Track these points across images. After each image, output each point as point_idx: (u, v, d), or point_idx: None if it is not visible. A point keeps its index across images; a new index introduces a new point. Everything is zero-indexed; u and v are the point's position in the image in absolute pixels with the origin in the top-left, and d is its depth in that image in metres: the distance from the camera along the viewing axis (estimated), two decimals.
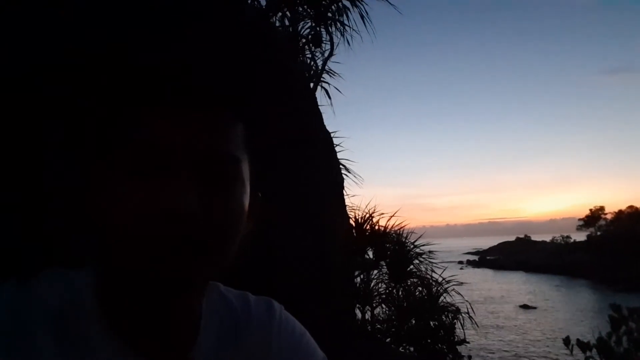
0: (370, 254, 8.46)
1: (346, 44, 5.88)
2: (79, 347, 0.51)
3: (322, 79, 6.00)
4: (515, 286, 36.09)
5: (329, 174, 1.97)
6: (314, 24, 5.86)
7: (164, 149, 0.49)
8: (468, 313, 8.80)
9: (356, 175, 7.06)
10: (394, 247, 8.55)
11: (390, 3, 5.71)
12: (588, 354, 5.98)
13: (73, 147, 0.54)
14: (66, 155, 0.55)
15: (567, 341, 6.41)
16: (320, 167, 1.90)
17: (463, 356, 8.32)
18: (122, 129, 0.49)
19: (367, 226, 8.41)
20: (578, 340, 6.32)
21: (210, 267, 0.52)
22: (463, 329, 8.54)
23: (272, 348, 0.67)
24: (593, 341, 6.22)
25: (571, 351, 6.21)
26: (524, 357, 14.15)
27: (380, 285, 8.68)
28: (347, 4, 5.53)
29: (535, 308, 24.83)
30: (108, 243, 0.49)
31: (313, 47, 5.91)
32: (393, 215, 8.69)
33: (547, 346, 15.17)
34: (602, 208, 56.34)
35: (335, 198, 1.98)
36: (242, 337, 0.65)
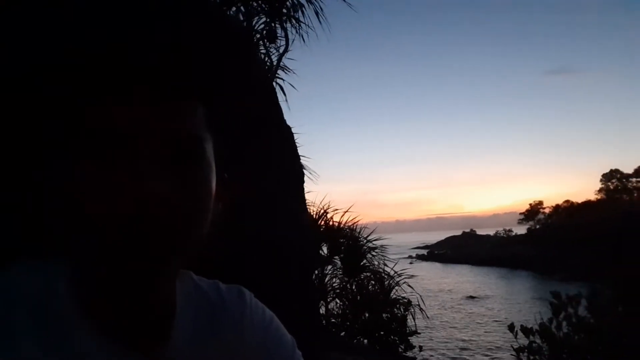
0: (325, 249, 8.55)
1: (301, 40, 5.91)
2: (57, 333, 0.51)
3: (276, 75, 5.98)
4: (462, 278, 37.45)
5: (293, 166, 1.98)
6: (268, 20, 5.81)
7: (128, 134, 0.48)
8: (419, 305, 9.08)
9: (311, 172, 7.09)
10: (348, 242, 8.68)
11: (344, 1, 5.78)
12: (531, 338, 6.34)
13: (39, 139, 0.52)
14: (31, 147, 0.54)
15: (511, 327, 6.74)
16: (285, 159, 1.91)
17: (414, 346, 8.57)
18: (86, 117, 0.49)
19: (321, 222, 8.48)
20: (522, 326, 6.68)
21: (182, 249, 0.53)
22: (414, 320, 8.81)
23: (245, 332, 0.68)
24: (535, 327, 6.59)
25: (515, 336, 6.55)
26: (473, 344, 14.72)
27: (334, 280, 8.81)
28: (303, 0, 5.55)
29: (481, 298, 25.90)
30: (79, 231, 0.49)
31: (267, 43, 5.88)
32: (347, 211, 8.81)
33: (494, 333, 15.86)
34: (540, 203, 59.53)
35: (299, 191, 2.00)
36: (216, 323, 0.66)
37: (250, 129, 1.60)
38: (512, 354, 6.63)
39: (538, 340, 6.28)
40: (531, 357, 6.22)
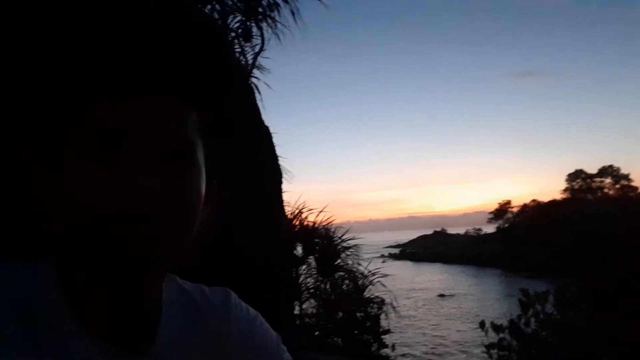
0: (299, 249, 8.54)
1: (277, 40, 5.88)
2: (45, 334, 0.51)
3: (252, 74, 5.94)
4: (433, 277, 38.01)
5: (272, 167, 1.98)
6: (244, 18, 5.78)
7: (124, 133, 0.49)
8: (392, 304, 9.16)
9: (287, 172, 7.07)
10: (322, 242, 8.69)
11: (320, 1, 5.78)
12: (501, 335, 6.51)
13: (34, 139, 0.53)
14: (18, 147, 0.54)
15: (482, 324, 6.90)
16: (264, 160, 1.91)
17: (387, 345, 8.65)
18: (84, 116, 0.49)
19: (296, 222, 8.47)
20: (492, 323, 6.84)
21: (171, 250, 0.53)
22: (387, 319, 8.88)
23: (231, 330, 0.70)
24: (505, 324, 6.76)
25: (486, 333, 6.71)
26: (445, 341, 14.97)
27: (308, 280, 8.80)
28: (279, 0, 5.53)
29: (452, 296, 26.35)
30: (69, 229, 0.50)
31: (243, 42, 5.84)
32: (321, 211, 8.82)
33: (465, 330, 16.16)
34: (509, 202, 60.80)
35: (278, 191, 2.00)
36: (202, 324, 0.67)
37: (231, 129, 1.60)
38: (482, 351, 6.78)
39: (508, 337, 6.45)
40: (501, 353, 6.39)
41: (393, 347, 9.04)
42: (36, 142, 0.52)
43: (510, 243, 44.48)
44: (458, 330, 16.76)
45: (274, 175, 2.04)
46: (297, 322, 8.39)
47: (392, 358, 8.55)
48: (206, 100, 0.58)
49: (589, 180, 57.47)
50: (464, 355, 13.02)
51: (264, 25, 5.68)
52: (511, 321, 6.54)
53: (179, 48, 0.55)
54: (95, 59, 0.49)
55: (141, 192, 0.48)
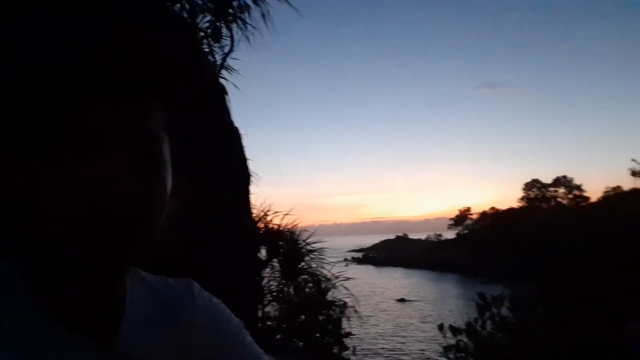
0: (264, 252, 8.48)
1: (247, 41, 5.85)
2: (11, 327, 0.52)
3: (220, 74, 5.89)
4: (395, 282, 38.49)
5: (241, 167, 1.99)
6: (214, 19, 5.73)
7: (91, 130, 0.51)
8: (354, 307, 9.22)
9: (253, 174, 7.01)
10: (287, 245, 8.66)
11: (290, 5, 5.81)
12: (459, 337, 6.69)
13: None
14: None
15: (441, 327, 7.07)
16: (234, 160, 1.92)
17: (348, 347, 8.70)
18: (49, 118, 0.51)
19: (261, 225, 8.42)
20: (450, 326, 7.03)
21: (144, 244, 0.55)
22: (349, 322, 8.94)
23: (195, 318, 0.72)
24: (463, 326, 6.95)
25: (444, 336, 6.88)
26: (404, 344, 15.17)
27: (271, 283, 8.76)
28: (249, 1, 5.52)
29: (413, 300, 26.78)
30: (43, 224, 0.50)
31: (212, 42, 5.79)
32: (287, 214, 8.78)
33: (425, 333, 16.43)
34: (469, 209, 62.40)
35: (247, 192, 2.02)
36: (167, 313, 0.69)
37: (203, 129, 1.61)
38: (440, 353, 6.93)
39: (465, 339, 6.63)
40: (458, 355, 6.55)
41: (354, 350, 9.11)
42: (4, 145, 0.53)
43: (469, 249, 45.55)
44: (418, 334, 17.03)
45: (242, 175, 2.05)
46: (259, 325, 8.33)
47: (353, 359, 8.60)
48: (178, 98, 0.60)
49: (544, 189, 59.53)
50: (424, 357, 13.25)
51: (234, 26, 5.66)
52: (468, 324, 6.73)
53: (155, 47, 0.55)
54: (81, 61, 0.51)
55: (106, 186, 0.50)
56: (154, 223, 0.56)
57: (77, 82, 0.51)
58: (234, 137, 2.01)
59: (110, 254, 0.52)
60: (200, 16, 5.48)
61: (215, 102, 1.77)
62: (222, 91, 2.18)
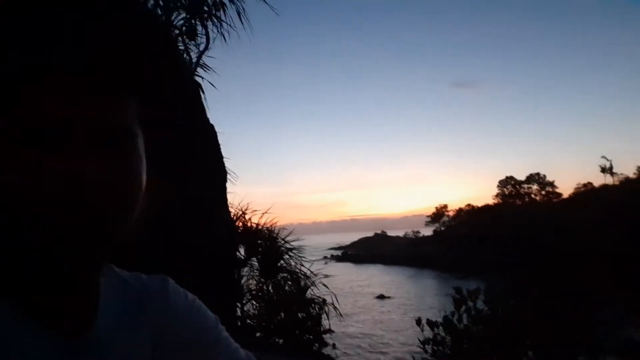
0: (242, 250, 8.46)
1: (222, 39, 5.80)
2: None
3: (196, 72, 5.85)
4: (374, 278, 38.73)
5: (216, 164, 2.00)
6: (188, 16, 5.68)
7: (61, 122, 0.49)
8: (333, 304, 9.27)
9: (231, 172, 6.99)
10: (266, 244, 8.64)
11: (267, 3, 5.80)
12: (436, 330, 6.82)
13: None
14: None
15: (418, 322, 7.19)
16: (208, 157, 1.93)
17: (328, 344, 8.74)
18: (16, 108, 0.49)
19: (239, 223, 8.39)
20: (428, 320, 7.15)
21: (108, 236, 0.53)
22: (328, 319, 8.98)
23: (170, 315, 0.71)
24: (440, 320, 7.08)
25: (422, 330, 7.00)
26: (384, 339, 15.31)
27: (250, 281, 8.74)
28: None
29: (391, 296, 27.04)
30: (4, 216, 0.49)
31: (187, 40, 5.73)
32: (265, 213, 8.76)
33: (403, 328, 16.59)
34: (445, 206, 63.11)
35: (223, 190, 2.03)
36: (140, 310, 0.68)
37: (175, 123, 1.62)
38: (418, 346, 7.05)
39: (442, 332, 6.76)
40: (435, 348, 6.68)
41: (334, 346, 9.15)
42: None
43: (446, 245, 46.13)
44: (397, 328, 17.21)
45: (218, 172, 2.06)
46: (239, 323, 8.31)
47: (333, 357, 8.67)
48: (148, 90, 0.59)
49: (518, 186, 60.69)
50: (403, 351, 13.40)
51: (209, 24, 5.61)
52: (445, 317, 6.86)
53: (116, 36, 0.53)
54: (29, 54, 0.49)
55: (76, 178, 0.48)
56: (124, 216, 0.54)
57: (42, 74, 0.50)
58: (208, 134, 2.02)
59: (78, 247, 0.50)
60: (175, 13, 5.43)
61: (189, 98, 1.78)
62: (196, 88, 2.19)
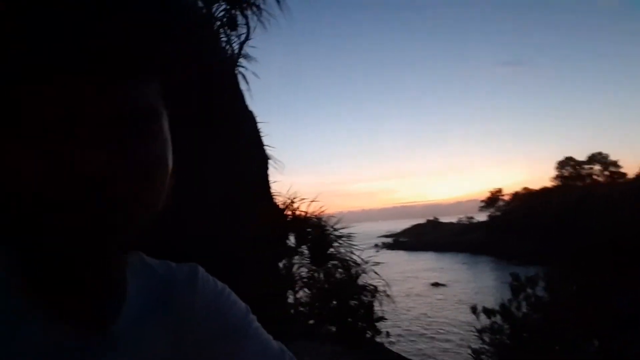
0: (292, 239, 8.54)
1: (263, 27, 5.81)
2: None
3: (238, 63, 5.88)
4: (426, 265, 38.26)
5: (256, 150, 1.97)
6: (228, 7, 5.71)
7: (72, 107, 0.46)
8: (385, 291, 9.22)
9: (276, 161, 7.04)
10: (315, 232, 8.69)
11: None
12: (493, 319, 6.59)
13: None
14: None
15: (474, 309, 6.99)
16: (244, 146, 1.89)
17: (381, 332, 8.72)
18: (29, 96, 0.46)
19: (288, 212, 8.47)
20: (484, 307, 6.92)
21: (131, 225, 0.50)
22: (381, 306, 8.95)
23: (197, 302, 0.69)
24: (497, 308, 6.84)
25: (478, 318, 6.79)
26: (438, 327, 15.11)
27: (301, 269, 8.83)
28: None
29: (445, 284, 26.60)
30: (18, 216, 0.47)
31: (229, 31, 5.77)
32: (313, 201, 8.80)
33: (458, 316, 16.29)
34: (500, 190, 61.19)
35: (265, 177, 1.99)
36: (166, 300, 0.66)
37: (212, 112, 1.59)
38: (475, 334, 6.86)
39: (499, 321, 6.54)
40: (492, 337, 6.47)
41: (387, 334, 9.13)
42: None
43: (502, 230, 44.83)
44: (451, 317, 16.92)
45: (258, 159, 2.03)
46: (292, 310, 8.43)
47: (387, 344, 8.63)
48: (175, 73, 0.56)
49: (578, 167, 57.92)
50: (459, 340, 13.16)
51: (249, 13, 5.62)
52: (502, 305, 6.63)
53: (129, 18, 0.49)
54: (42, 38, 0.46)
55: (94, 166, 0.45)
56: (148, 200, 0.51)
57: (44, 57, 0.46)
58: (247, 121, 1.98)
59: (96, 235, 0.47)
60: (215, 5, 5.47)
61: (225, 84, 1.75)
62: (234, 76, 2.15)
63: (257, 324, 0.73)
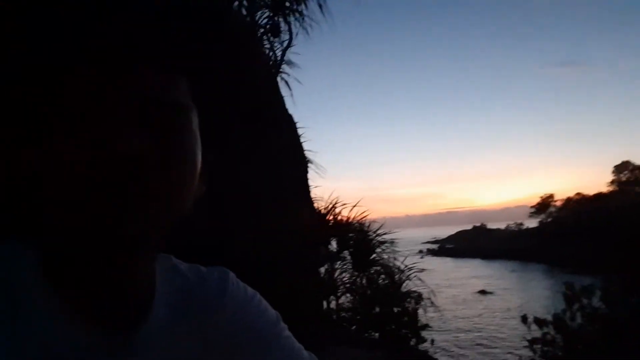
0: (334, 244, 8.53)
1: (305, 34, 5.87)
2: (23, 318, 0.48)
3: (281, 69, 5.95)
4: (473, 272, 37.28)
5: (292, 156, 1.94)
6: (272, 14, 5.80)
7: (104, 97, 0.46)
8: (430, 299, 9.04)
9: (318, 166, 7.05)
10: (357, 237, 8.65)
11: None
12: (545, 329, 6.30)
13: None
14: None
15: (524, 319, 6.71)
16: (282, 149, 1.87)
17: (425, 339, 8.54)
18: (61, 88, 0.46)
19: (330, 217, 8.46)
20: (535, 317, 6.64)
21: (160, 218, 0.49)
22: (425, 314, 8.78)
23: (226, 309, 0.67)
24: (549, 318, 6.54)
25: (529, 328, 6.52)
26: (485, 337, 14.66)
27: (344, 274, 8.79)
28: None
29: (493, 292, 25.79)
30: (46, 204, 0.46)
31: (272, 37, 5.86)
32: (355, 206, 8.77)
33: (507, 325, 15.76)
34: (551, 195, 58.89)
35: (299, 182, 1.96)
36: (194, 305, 0.64)
37: (249, 116, 1.58)
38: (525, 346, 6.60)
39: (552, 331, 6.25)
40: (544, 348, 6.19)
41: (432, 342, 8.94)
42: (12, 121, 0.49)
43: (553, 237, 43.16)
44: (499, 325, 16.37)
45: (296, 162, 2.00)
46: (334, 316, 8.40)
47: (431, 353, 8.42)
48: (198, 68, 0.56)
49: (637, 171, 55.06)
50: (506, 351, 12.69)
51: (291, 19, 5.68)
52: (555, 315, 6.33)
53: (160, 14, 0.51)
54: (71, 35, 0.47)
55: (123, 156, 0.44)
56: (173, 197, 0.50)
57: (74, 52, 0.46)
58: (286, 125, 1.96)
59: (121, 231, 0.46)
60: (259, 12, 5.56)
61: (263, 89, 1.73)
62: (273, 79, 2.14)
63: (287, 333, 0.71)
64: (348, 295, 8.66)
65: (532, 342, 6.34)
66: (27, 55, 0.47)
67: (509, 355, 12.01)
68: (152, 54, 0.50)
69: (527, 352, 6.59)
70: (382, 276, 8.90)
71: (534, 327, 6.60)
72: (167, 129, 0.49)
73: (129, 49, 0.48)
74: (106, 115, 0.46)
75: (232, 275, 0.72)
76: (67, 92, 0.46)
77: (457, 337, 14.88)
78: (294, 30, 5.84)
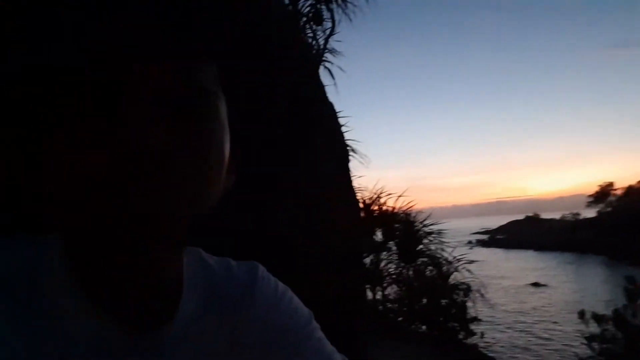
0: (379, 234, 8.47)
1: (348, 21, 5.80)
2: (47, 314, 0.47)
3: (324, 58, 5.90)
4: (526, 264, 36.14)
5: (333, 146, 1.89)
6: (314, 2, 5.76)
7: (122, 84, 0.44)
8: (480, 291, 8.84)
9: (362, 156, 6.97)
10: (403, 227, 8.55)
11: None
12: (604, 325, 5.98)
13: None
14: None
15: (582, 314, 6.41)
16: (323, 138, 1.82)
17: (475, 333, 8.35)
18: (82, 78, 0.44)
19: (375, 207, 8.40)
20: (593, 313, 6.32)
21: (184, 213, 0.46)
22: (475, 306, 8.59)
23: (256, 306, 0.64)
24: (608, 314, 6.22)
25: (586, 324, 6.22)
26: (539, 332, 14.19)
27: (389, 265, 8.72)
28: None
29: (547, 285, 24.89)
30: (67, 199, 0.44)
31: (314, 26, 5.82)
32: (400, 196, 8.66)
33: (562, 320, 15.19)
34: (611, 184, 56.01)
35: (340, 172, 1.90)
36: (222, 301, 0.62)
37: (281, 104, 1.52)
38: (583, 343, 6.31)
39: (612, 328, 5.93)
40: (604, 346, 5.89)
41: (482, 335, 8.74)
42: (37, 114, 0.47)
43: (613, 228, 41.17)
44: (554, 320, 15.78)
45: (336, 151, 1.94)
46: (380, 307, 8.36)
47: (481, 347, 8.22)
48: (226, 54, 0.53)
49: None
50: (562, 347, 12.21)
51: (334, 6, 5.62)
52: (616, 311, 6.00)
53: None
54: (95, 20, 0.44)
55: (146, 145, 0.42)
56: (200, 188, 0.47)
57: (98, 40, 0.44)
58: (326, 114, 1.90)
59: (144, 223, 0.43)
60: (301, 1, 5.53)
61: (304, 78, 1.68)
62: (314, 68, 2.08)
63: (319, 334, 0.68)
64: (394, 286, 8.58)
65: (590, 338, 6.04)
66: (27, 55, 0.46)
67: (566, 352, 11.54)
68: (160, 46, 0.46)
69: (584, 350, 6.30)
70: (430, 267, 8.77)
71: (592, 322, 6.30)
72: (189, 114, 0.47)
73: (132, 44, 0.45)
74: (118, 109, 0.43)
75: (262, 269, 0.69)
76: (71, 91, 0.44)
77: (509, 331, 14.48)
78: (336, 17, 5.78)
